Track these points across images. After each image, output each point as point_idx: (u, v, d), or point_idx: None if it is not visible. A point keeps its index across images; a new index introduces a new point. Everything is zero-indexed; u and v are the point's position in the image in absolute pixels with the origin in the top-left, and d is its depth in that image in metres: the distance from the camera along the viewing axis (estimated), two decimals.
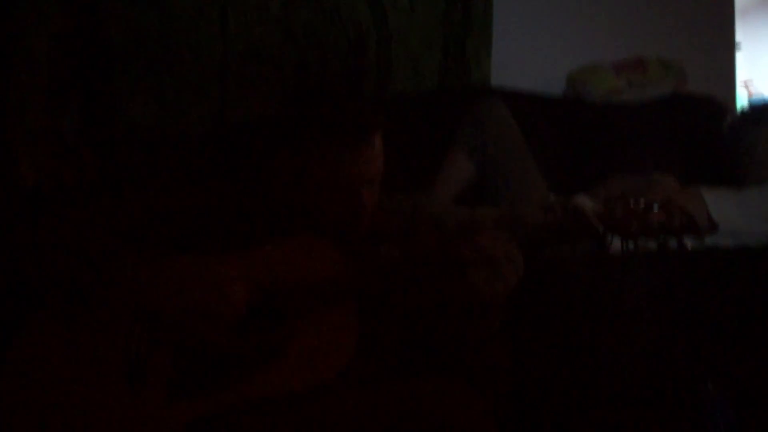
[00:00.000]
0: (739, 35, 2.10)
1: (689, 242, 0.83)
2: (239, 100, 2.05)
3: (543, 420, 1.10)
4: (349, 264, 0.88)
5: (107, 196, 1.00)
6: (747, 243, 1.17)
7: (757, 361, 1.07)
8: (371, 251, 0.99)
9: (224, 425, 0.74)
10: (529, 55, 2.09)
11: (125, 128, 1.90)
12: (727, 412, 0.98)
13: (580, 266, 1.12)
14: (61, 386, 0.77)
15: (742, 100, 1.87)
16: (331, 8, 2.02)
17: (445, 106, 1.88)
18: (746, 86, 2.68)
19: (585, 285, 1.10)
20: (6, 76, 1.75)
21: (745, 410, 1.03)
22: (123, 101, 1.91)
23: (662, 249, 0.84)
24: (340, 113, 0.90)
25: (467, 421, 0.72)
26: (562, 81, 2.02)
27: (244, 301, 0.79)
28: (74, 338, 0.80)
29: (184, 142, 1.78)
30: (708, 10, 2.12)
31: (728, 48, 2.14)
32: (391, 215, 1.09)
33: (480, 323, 0.86)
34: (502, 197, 1.57)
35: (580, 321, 1.15)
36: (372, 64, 2.06)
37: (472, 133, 1.63)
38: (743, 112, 1.48)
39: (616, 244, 0.92)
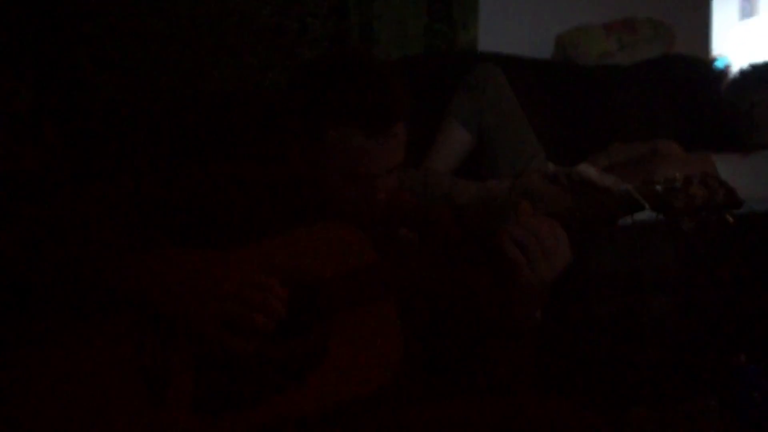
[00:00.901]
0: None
1: (731, 216, 0.80)
2: (212, 68, 1.92)
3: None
4: (382, 251, 0.82)
5: (92, 181, 0.88)
6: (755, 209, 1.16)
7: None
8: (389, 236, 0.92)
9: None
10: (516, 18, 2.02)
11: (88, 101, 1.75)
12: (762, 384, 0.98)
13: (617, 239, 1.09)
14: (65, 406, 0.68)
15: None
16: None
17: (433, 72, 1.80)
18: None
19: (621, 257, 1.07)
20: None
21: None
22: (85, 71, 1.75)
23: (704, 225, 0.80)
24: (364, 97, 0.81)
25: None
26: (549, 44, 1.97)
27: (285, 301, 0.70)
28: (76, 352, 0.71)
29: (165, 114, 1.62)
30: None
31: (704, 7, 2.12)
32: (402, 192, 1.03)
33: (523, 313, 0.80)
34: (500, 167, 1.53)
35: (616, 295, 1.13)
36: (354, 27, 1.95)
37: (468, 101, 1.56)
38: (742, 73, 1.47)
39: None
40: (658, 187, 0.80)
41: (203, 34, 1.90)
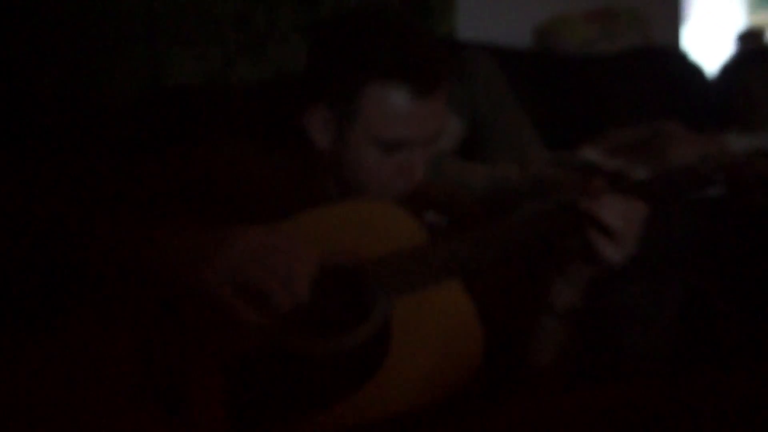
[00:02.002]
0: None
1: None
2: (173, 60, 1.75)
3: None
4: (432, 230, 0.70)
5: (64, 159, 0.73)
6: None
7: None
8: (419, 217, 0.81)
9: None
10: (493, 8, 1.98)
11: (35, 95, 1.55)
12: None
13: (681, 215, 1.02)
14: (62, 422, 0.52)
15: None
16: None
17: None
18: None
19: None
20: None
21: None
22: (30, 65, 1.55)
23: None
24: (414, 49, 0.70)
25: None
26: (526, 34, 1.93)
27: (309, 279, 0.57)
28: (70, 358, 0.55)
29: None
30: None
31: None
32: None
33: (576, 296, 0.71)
34: (496, 155, 1.44)
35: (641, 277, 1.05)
36: (326, 16, 1.84)
37: (460, 88, 1.48)
38: (736, 57, 1.46)
39: None
40: (728, 161, 0.74)
41: (161, 24, 1.73)
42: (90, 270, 0.61)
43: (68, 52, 1.62)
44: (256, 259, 0.55)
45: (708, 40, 2.91)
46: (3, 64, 1.55)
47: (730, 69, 1.47)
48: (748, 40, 2.83)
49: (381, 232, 0.69)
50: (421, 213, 0.83)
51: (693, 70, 1.72)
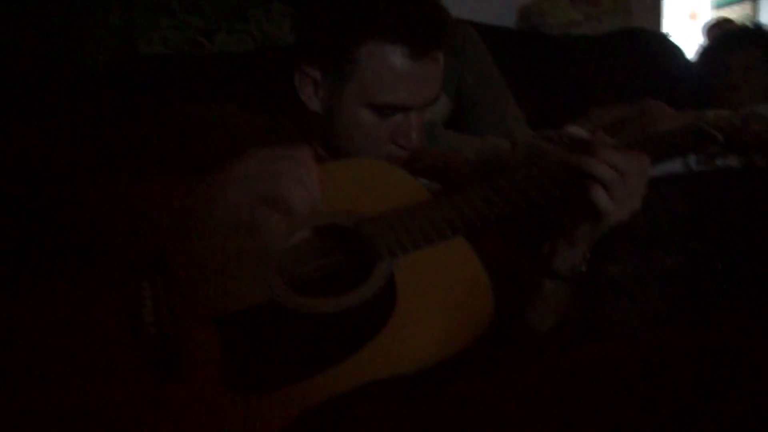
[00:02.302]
0: None
1: None
2: (149, 28, 1.68)
3: None
4: (430, 189, 0.68)
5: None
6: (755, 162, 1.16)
7: None
8: None
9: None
10: None
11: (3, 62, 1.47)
12: None
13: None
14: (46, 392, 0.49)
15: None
16: None
17: None
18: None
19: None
20: None
21: None
22: None
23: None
24: (413, 7, 0.68)
25: None
26: (510, 14, 1.93)
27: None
28: (58, 313, 0.52)
29: None
30: None
31: None
32: None
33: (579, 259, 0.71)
34: (483, 130, 1.44)
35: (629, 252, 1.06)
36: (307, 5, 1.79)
37: (447, 62, 1.46)
38: (716, 38, 1.49)
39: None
40: (727, 119, 0.75)
41: None
42: (79, 228, 0.57)
43: (39, 17, 1.53)
44: (266, 168, 0.55)
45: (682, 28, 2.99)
46: None
47: (710, 51, 1.50)
48: (716, 31, 2.90)
49: (380, 190, 0.68)
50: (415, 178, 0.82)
51: (674, 52, 1.75)
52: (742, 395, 0.41)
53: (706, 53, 1.51)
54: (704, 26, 3.12)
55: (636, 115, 1.37)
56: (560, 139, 1.32)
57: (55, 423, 0.46)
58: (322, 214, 0.62)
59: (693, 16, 4.36)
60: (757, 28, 1.46)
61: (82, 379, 0.49)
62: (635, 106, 1.41)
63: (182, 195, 0.55)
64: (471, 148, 1.13)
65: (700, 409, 0.42)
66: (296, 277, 0.60)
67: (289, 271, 0.60)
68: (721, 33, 1.50)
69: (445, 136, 1.15)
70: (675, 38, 1.92)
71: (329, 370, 0.50)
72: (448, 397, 0.47)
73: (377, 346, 0.52)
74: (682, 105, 1.57)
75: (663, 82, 1.65)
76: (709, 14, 4.47)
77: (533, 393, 0.47)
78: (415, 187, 0.69)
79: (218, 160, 0.73)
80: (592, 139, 0.70)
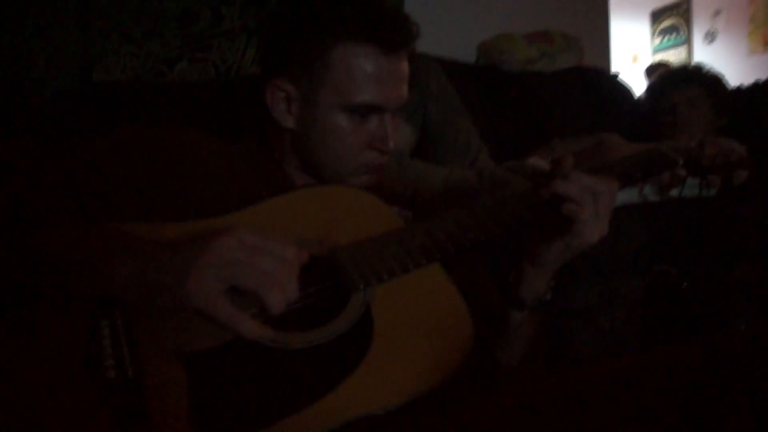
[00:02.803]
0: None
1: (743, 172, 0.80)
2: (106, 54, 1.64)
3: None
4: (406, 216, 0.68)
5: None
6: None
7: None
8: None
9: None
10: (440, 24, 2.02)
11: None
12: None
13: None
14: None
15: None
16: None
17: None
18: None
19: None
20: None
21: None
22: None
23: (726, 186, 0.79)
24: (381, 9, 0.69)
25: None
26: (471, 50, 1.99)
27: (298, 274, 0.52)
28: (15, 350, 0.48)
29: None
30: None
31: (604, 24, 2.31)
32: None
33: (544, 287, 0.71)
34: (445, 163, 1.46)
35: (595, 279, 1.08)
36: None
37: (412, 94, 1.48)
38: (662, 75, 1.59)
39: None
40: (684, 146, 0.79)
41: (96, 14, 1.62)
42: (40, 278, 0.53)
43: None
44: (244, 260, 0.50)
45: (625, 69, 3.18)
46: None
47: (655, 89, 1.59)
48: (655, 72, 3.09)
49: (352, 217, 0.67)
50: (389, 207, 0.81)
51: (622, 90, 1.84)
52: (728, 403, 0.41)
53: (652, 91, 1.60)
54: (646, 68, 3.32)
55: (593, 145, 1.43)
56: (521, 171, 1.35)
57: None
58: (297, 244, 0.60)
59: (635, 59, 4.65)
60: (698, 68, 1.56)
61: (42, 419, 0.45)
62: (592, 137, 1.47)
63: (152, 271, 0.50)
64: (438, 177, 1.14)
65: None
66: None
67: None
68: (665, 72, 1.60)
69: (412, 166, 1.16)
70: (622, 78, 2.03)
71: (309, 408, 0.47)
72: (438, 426, 0.46)
73: (357, 381, 0.50)
74: (632, 139, 1.66)
75: (613, 117, 1.73)
76: (649, 57, 4.78)
77: (521, 416, 0.46)
78: (388, 214, 0.68)
79: (184, 195, 0.71)
80: (562, 164, 0.72)
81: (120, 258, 0.51)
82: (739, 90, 1.63)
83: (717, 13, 4.28)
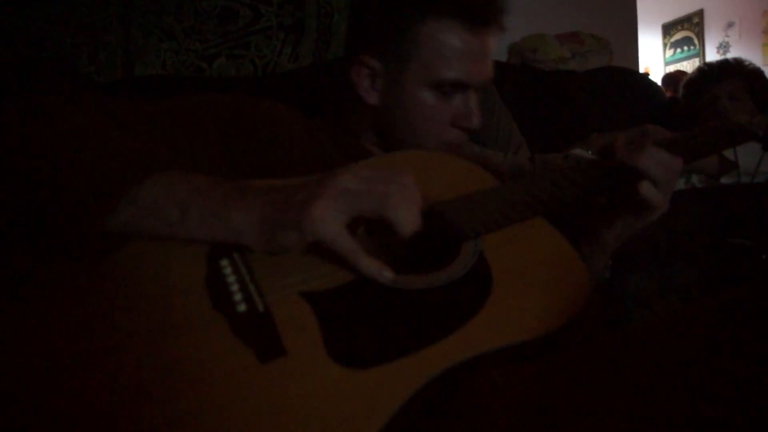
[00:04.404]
0: None
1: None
2: (148, 50, 1.66)
3: None
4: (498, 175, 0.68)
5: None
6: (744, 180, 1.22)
7: None
8: None
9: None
10: None
11: None
12: None
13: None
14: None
15: None
16: None
17: None
18: None
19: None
20: None
21: None
22: None
23: None
24: None
25: None
26: (501, 50, 2.02)
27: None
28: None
29: None
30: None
31: (632, 27, 2.34)
32: None
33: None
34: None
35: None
36: (311, 19, 1.82)
37: None
38: (702, 70, 1.60)
39: None
40: (759, 120, 0.79)
41: (137, 11, 1.65)
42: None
43: (35, 32, 1.49)
44: (364, 189, 0.49)
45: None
46: None
47: (696, 83, 1.60)
48: (672, 81, 3.10)
49: (446, 176, 0.67)
50: None
51: (656, 89, 1.85)
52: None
53: (691, 87, 1.61)
54: (663, 77, 3.35)
55: (638, 137, 1.43)
56: (566, 160, 1.36)
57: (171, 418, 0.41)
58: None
59: (647, 71, 4.69)
60: (738, 61, 1.58)
61: (174, 368, 0.43)
62: (636, 130, 1.48)
63: (271, 209, 0.50)
64: (496, 160, 1.14)
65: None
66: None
67: (372, 253, 0.58)
68: (704, 67, 1.61)
69: (470, 147, 1.17)
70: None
71: (441, 342, 0.47)
72: (568, 361, 0.45)
73: (484, 319, 0.50)
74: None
75: (648, 115, 1.74)
76: (661, 69, 4.82)
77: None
78: (482, 173, 0.69)
79: (274, 148, 0.71)
80: (637, 139, 0.72)
81: (237, 201, 0.51)
82: None
83: (730, 25, 4.33)
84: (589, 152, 1.49)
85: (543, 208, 0.62)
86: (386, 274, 0.50)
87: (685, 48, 4.75)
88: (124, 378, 0.42)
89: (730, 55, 4.25)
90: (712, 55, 4.48)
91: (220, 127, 0.68)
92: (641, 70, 4.75)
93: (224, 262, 0.51)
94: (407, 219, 0.49)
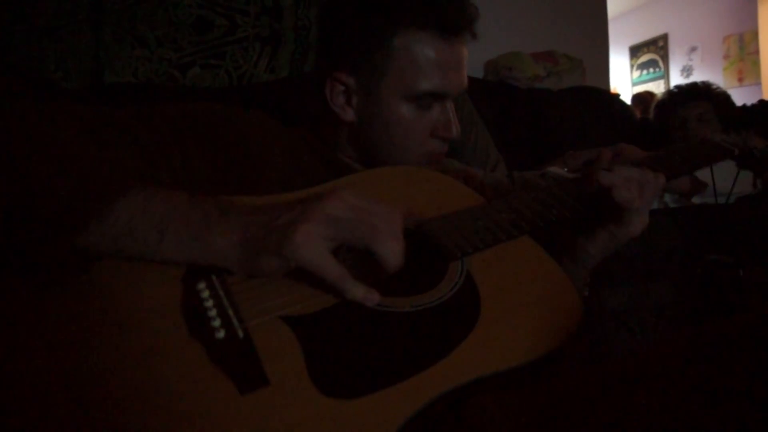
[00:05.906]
0: None
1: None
2: (119, 57, 1.61)
3: None
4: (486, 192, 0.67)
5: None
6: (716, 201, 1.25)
7: None
8: None
9: None
10: None
11: None
12: None
13: None
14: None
15: None
16: None
17: None
18: None
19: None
20: None
21: None
22: None
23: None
24: None
25: None
26: (477, 67, 2.04)
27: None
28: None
29: None
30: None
31: (604, 48, 2.40)
32: None
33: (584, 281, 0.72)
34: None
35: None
36: (288, 31, 1.81)
37: None
38: (671, 92, 1.64)
39: None
40: (733, 139, 0.81)
41: (109, 17, 1.60)
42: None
43: (5, 37, 1.43)
44: (353, 218, 0.48)
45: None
46: None
47: (666, 105, 1.64)
48: (642, 101, 3.19)
49: (432, 193, 0.66)
50: None
51: (627, 109, 1.90)
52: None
53: (662, 107, 1.65)
54: (633, 97, 3.45)
55: (612, 155, 1.46)
56: (543, 178, 1.37)
57: None
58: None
59: (615, 91, 4.82)
60: (706, 85, 1.63)
61: (147, 399, 0.40)
62: (609, 149, 1.50)
63: (255, 231, 0.48)
64: (477, 176, 1.14)
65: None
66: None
67: (355, 268, 0.56)
68: (674, 89, 1.66)
69: (451, 163, 1.16)
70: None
71: (430, 369, 0.45)
72: (559, 387, 0.44)
73: (474, 343, 0.48)
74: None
75: (620, 134, 1.77)
76: (629, 90, 4.97)
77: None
78: (465, 190, 0.68)
79: (255, 162, 0.68)
80: (602, 157, 0.72)
81: (219, 223, 0.48)
82: (744, 107, 1.69)
83: (693, 49, 4.50)
84: (566, 170, 1.50)
85: (530, 228, 0.62)
86: (372, 297, 0.48)
87: (651, 70, 4.91)
88: (93, 407, 0.39)
89: (693, 78, 4.41)
90: (676, 78, 4.64)
91: (201, 137, 0.66)
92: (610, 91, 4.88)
93: (201, 285, 0.48)
94: (395, 254, 0.48)
